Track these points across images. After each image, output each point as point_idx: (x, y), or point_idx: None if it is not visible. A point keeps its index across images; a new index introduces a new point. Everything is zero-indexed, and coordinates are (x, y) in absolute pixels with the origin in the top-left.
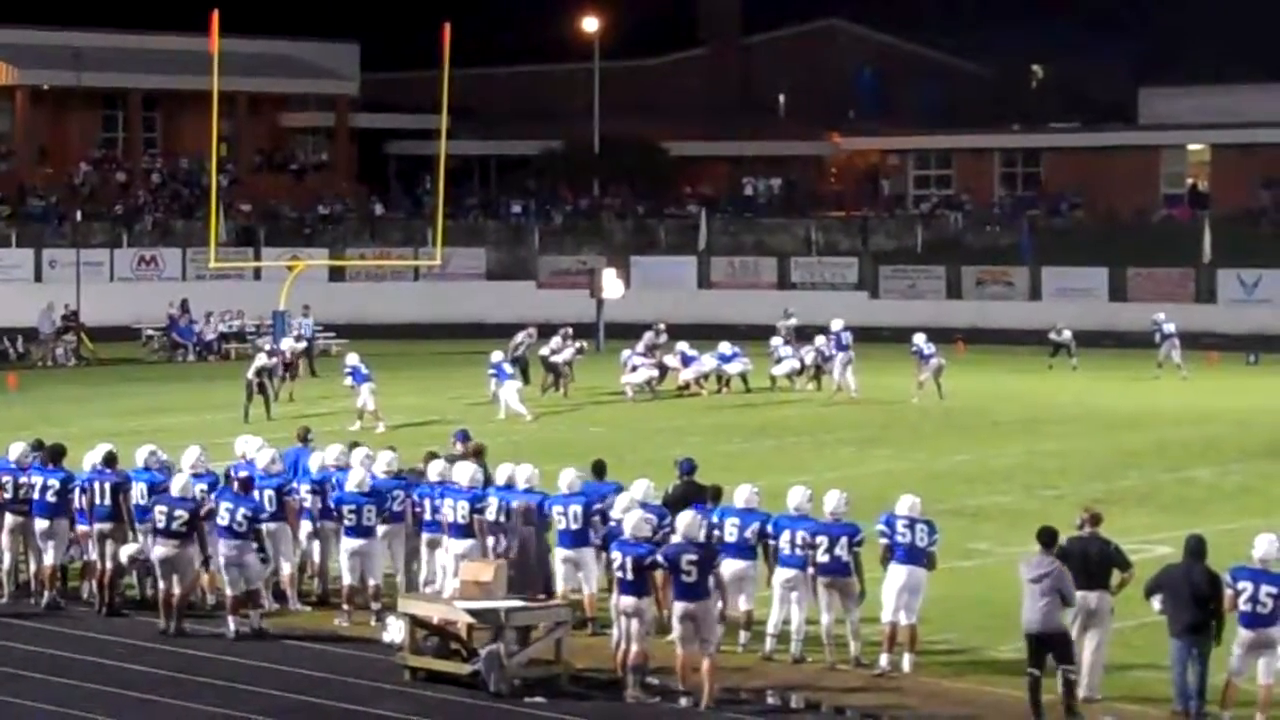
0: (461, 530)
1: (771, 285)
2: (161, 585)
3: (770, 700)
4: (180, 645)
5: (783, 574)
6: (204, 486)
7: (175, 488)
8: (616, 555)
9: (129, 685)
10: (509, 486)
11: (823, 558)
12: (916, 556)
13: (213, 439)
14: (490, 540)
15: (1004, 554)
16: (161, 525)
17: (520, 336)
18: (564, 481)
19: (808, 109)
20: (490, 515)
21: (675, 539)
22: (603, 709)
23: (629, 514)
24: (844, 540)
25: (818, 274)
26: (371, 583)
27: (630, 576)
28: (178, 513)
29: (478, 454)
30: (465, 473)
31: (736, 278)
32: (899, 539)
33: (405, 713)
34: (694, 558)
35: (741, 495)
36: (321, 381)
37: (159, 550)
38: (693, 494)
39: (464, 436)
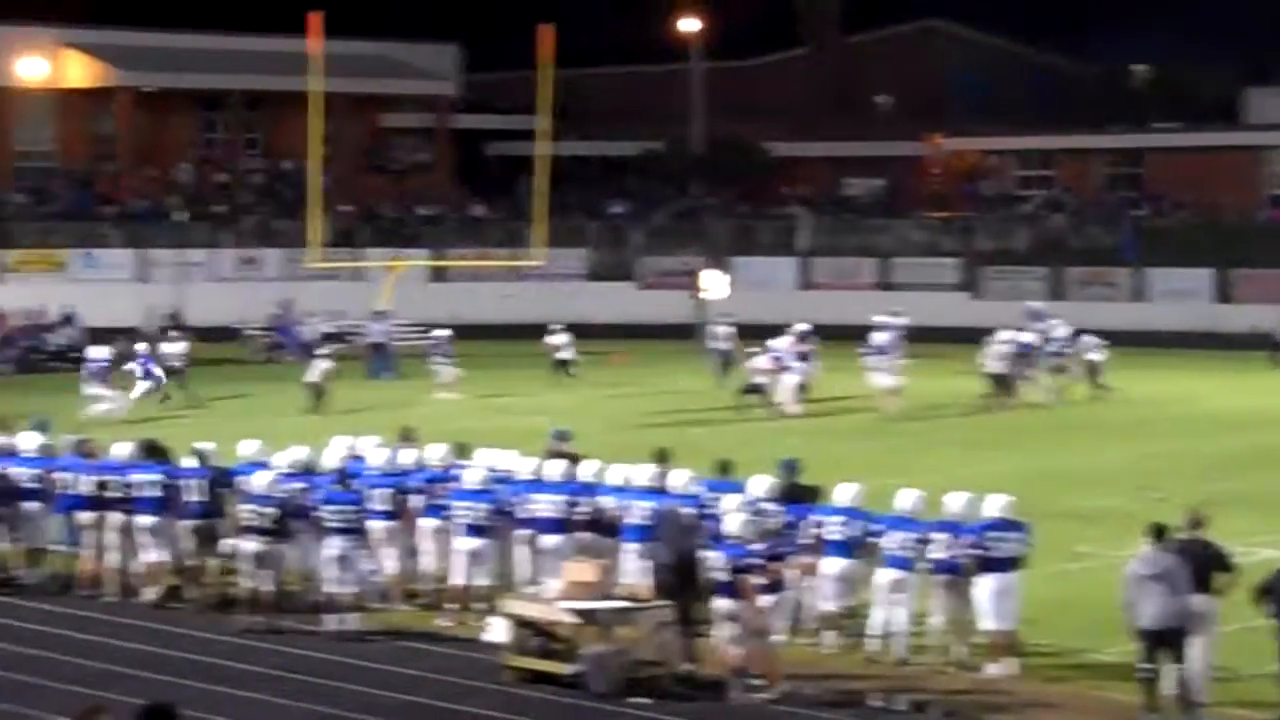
0: (556, 526)
1: (872, 286)
2: (252, 582)
3: (873, 702)
4: (282, 643)
5: (888, 575)
6: (302, 485)
7: (262, 484)
8: (717, 556)
9: (231, 683)
10: (660, 491)
11: (938, 555)
12: (997, 564)
13: (313, 440)
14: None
15: (1110, 557)
16: (252, 523)
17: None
18: (677, 481)
19: (909, 109)
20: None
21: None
22: (706, 710)
23: (732, 516)
24: (963, 541)
25: (919, 275)
26: (479, 583)
27: (726, 579)
28: (266, 510)
29: (572, 458)
30: (557, 469)
31: (837, 278)
32: (981, 550)
33: (507, 713)
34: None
35: (846, 494)
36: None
37: (249, 546)
38: (795, 495)
39: (561, 436)
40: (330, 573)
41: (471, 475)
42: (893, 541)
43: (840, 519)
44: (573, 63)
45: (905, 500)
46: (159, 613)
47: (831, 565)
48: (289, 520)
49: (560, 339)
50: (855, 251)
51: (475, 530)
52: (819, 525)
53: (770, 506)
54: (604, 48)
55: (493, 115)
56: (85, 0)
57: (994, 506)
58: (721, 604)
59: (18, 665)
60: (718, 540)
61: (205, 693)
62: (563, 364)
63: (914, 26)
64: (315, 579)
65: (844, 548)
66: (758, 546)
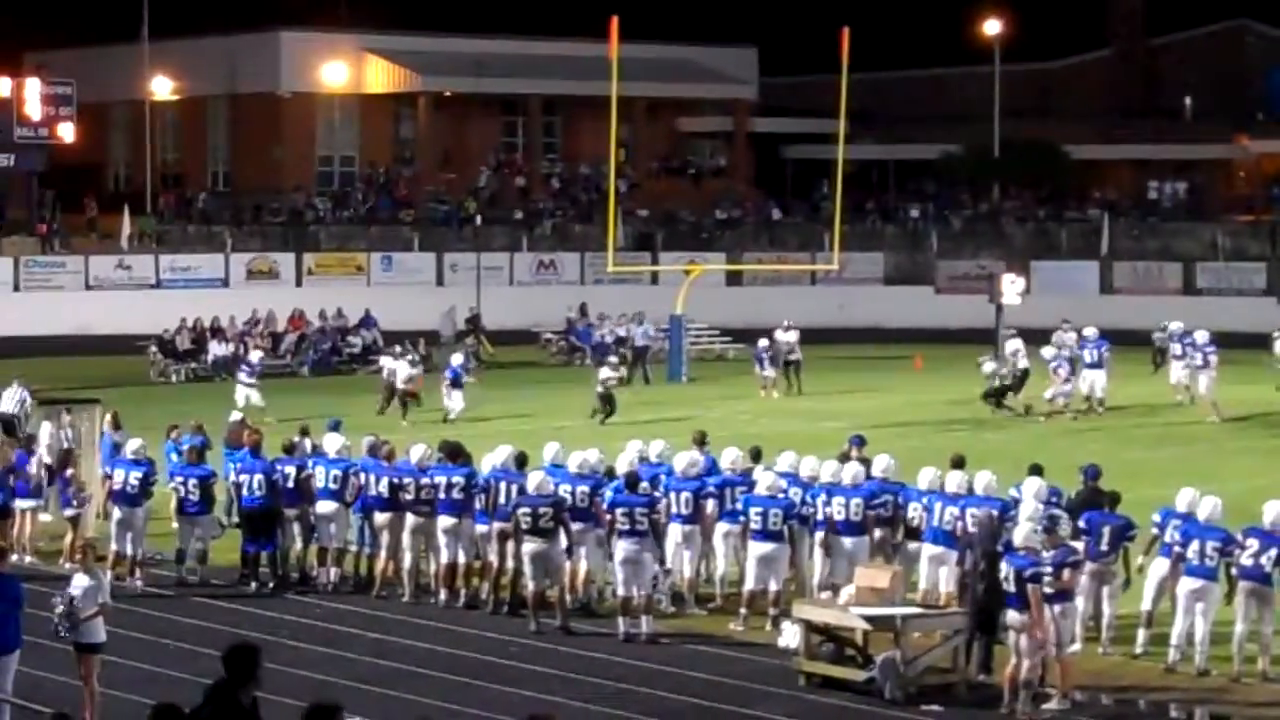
0: (851, 529)
1: (1177, 291)
2: (531, 585)
3: (1175, 714)
4: (574, 645)
5: (1188, 584)
6: (585, 487)
7: (532, 485)
8: (1005, 567)
9: (523, 684)
10: (959, 495)
11: (1246, 561)
12: (1254, 573)
13: (607, 441)
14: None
15: None
16: (527, 525)
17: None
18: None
19: (1215, 111)
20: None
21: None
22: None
23: (1020, 525)
24: (1274, 551)
25: (1224, 279)
26: (773, 588)
27: (1014, 589)
28: (541, 510)
29: (866, 463)
30: (850, 472)
31: (1140, 283)
32: (1244, 559)
33: (799, 718)
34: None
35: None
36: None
37: (527, 547)
38: (1095, 500)
39: (859, 441)
40: (619, 575)
41: (764, 479)
42: (1194, 550)
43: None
44: (872, 65)
45: (1205, 508)
46: (453, 613)
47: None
48: (565, 521)
49: (791, 336)
50: (1158, 256)
51: (766, 535)
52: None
53: (1060, 513)
54: (904, 50)
55: (791, 119)
56: (387, 6)
57: (1271, 513)
58: (1010, 614)
59: (311, 664)
60: (1007, 549)
61: (499, 695)
62: (791, 365)
63: (1221, 26)
64: (601, 582)
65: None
66: (1047, 555)
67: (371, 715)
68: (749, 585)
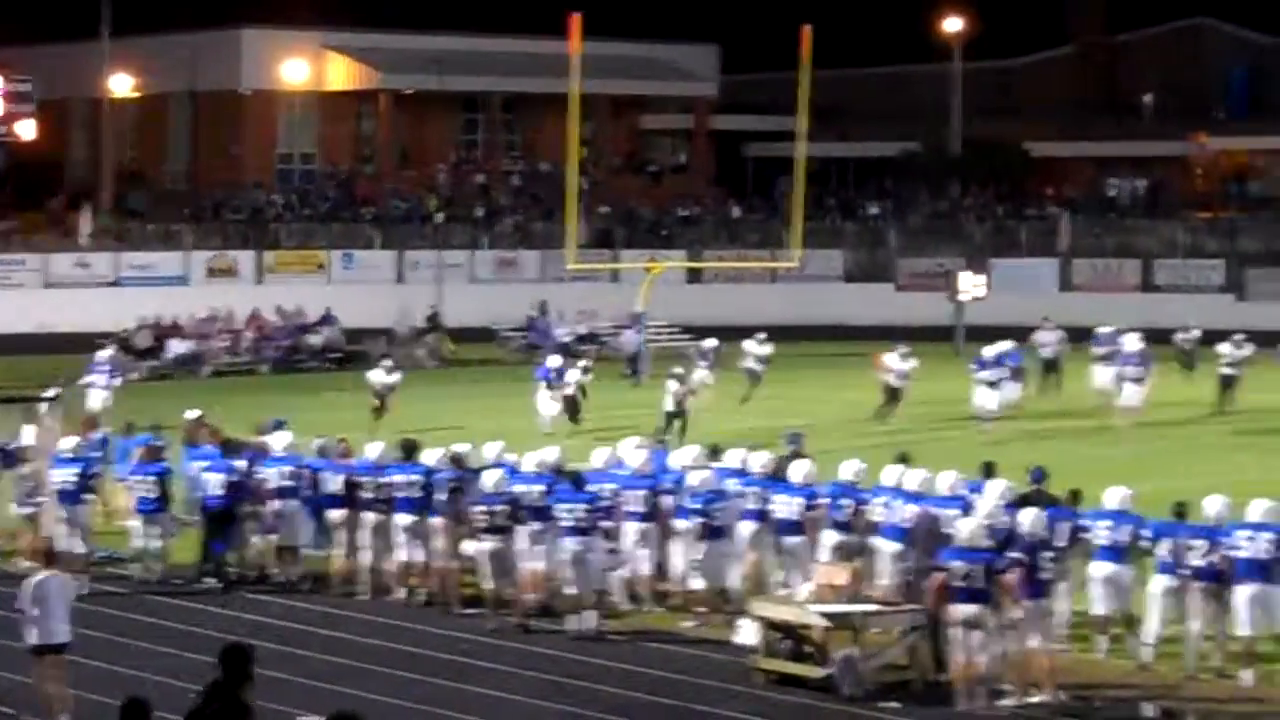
0: (794, 527)
1: (1135, 288)
2: (487, 584)
3: (1150, 714)
4: (530, 642)
5: (1161, 581)
6: (542, 486)
7: (489, 484)
8: (959, 565)
9: (480, 682)
10: (920, 495)
11: (1198, 562)
12: (1256, 570)
13: (564, 440)
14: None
15: None
16: (482, 523)
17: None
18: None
19: (1174, 109)
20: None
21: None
22: (956, 716)
23: (963, 520)
24: (1219, 546)
25: (1183, 276)
26: (732, 585)
27: (979, 584)
28: (496, 508)
29: (797, 456)
30: (800, 471)
31: (1099, 280)
32: (1240, 551)
33: (756, 716)
34: (1051, 555)
35: (1115, 497)
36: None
37: (483, 546)
38: (1041, 503)
39: (795, 439)
40: (565, 573)
41: (693, 478)
42: (1163, 548)
43: (1108, 523)
44: (832, 63)
45: (1213, 506)
46: (410, 611)
47: (1099, 569)
48: (521, 518)
49: (765, 350)
50: (1117, 253)
51: (716, 532)
52: (1086, 530)
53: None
54: (865, 47)
55: (751, 116)
56: (348, 4)
57: (1256, 511)
58: (958, 610)
59: (268, 662)
60: (953, 547)
61: (456, 692)
62: (754, 375)
63: (1181, 24)
64: (556, 580)
65: (1112, 552)
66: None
67: (325, 713)
68: (701, 583)
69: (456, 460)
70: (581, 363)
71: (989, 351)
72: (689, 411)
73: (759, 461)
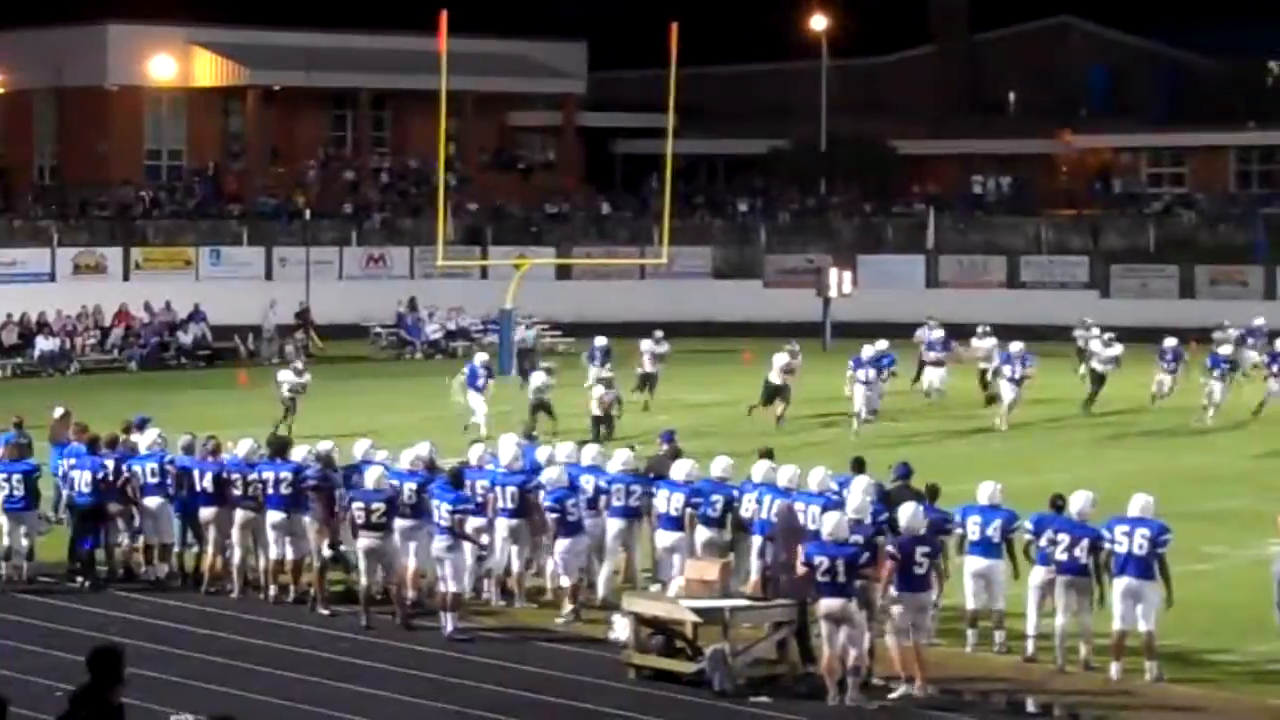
0: (672, 523)
1: (1001, 284)
2: (364, 580)
3: (1032, 709)
4: (407, 640)
5: (1039, 573)
6: (415, 483)
7: (369, 481)
8: (821, 559)
9: (357, 680)
10: (790, 490)
11: (1061, 556)
12: (1131, 565)
13: (438, 436)
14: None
15: (1238, 557)
16: (361, 519)
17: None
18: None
19: (1039, 107)
20: (747, 514)
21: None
22: (827, 710)
23: (828, 515)
24: (1085, 542)
25: (1048, 273)
26: (587, 580)
27: (843, 579)
28: (374, 505)
29: (675, 455)
30: (682, 469)
31: (965, 277)
32: (1117, 546)
33: (629, 711)
34: (927, 549)
35: (985, 492)
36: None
37: (361, 543)
38: (905, 498)
39: (669, 437)
40: (440, 570)
41: (547, 474)
42: (1045, 539)
43: (977, 518)
44: (700, 60)
45: (1078, 502)
46: (283, 609)
47: (971, 564)
48: (398, 516)
49: (662, 349)
50: (983, 249)
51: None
52: (949, 524)
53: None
54: (732, 45)
55: (620, 113)
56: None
57: (1135, 506)
58: (823, 604)
59: (142, 661)
60: (816, 540)
61: (336, 690)
62: (650, 376)
63: (1044, 23)
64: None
65: (982, 547)
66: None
67: (202, 712)
68: (568, 580)
69: (322, 458)
70: (546, 364)
71: (867, 351)
72: (616, 417)
73: (620, 459)
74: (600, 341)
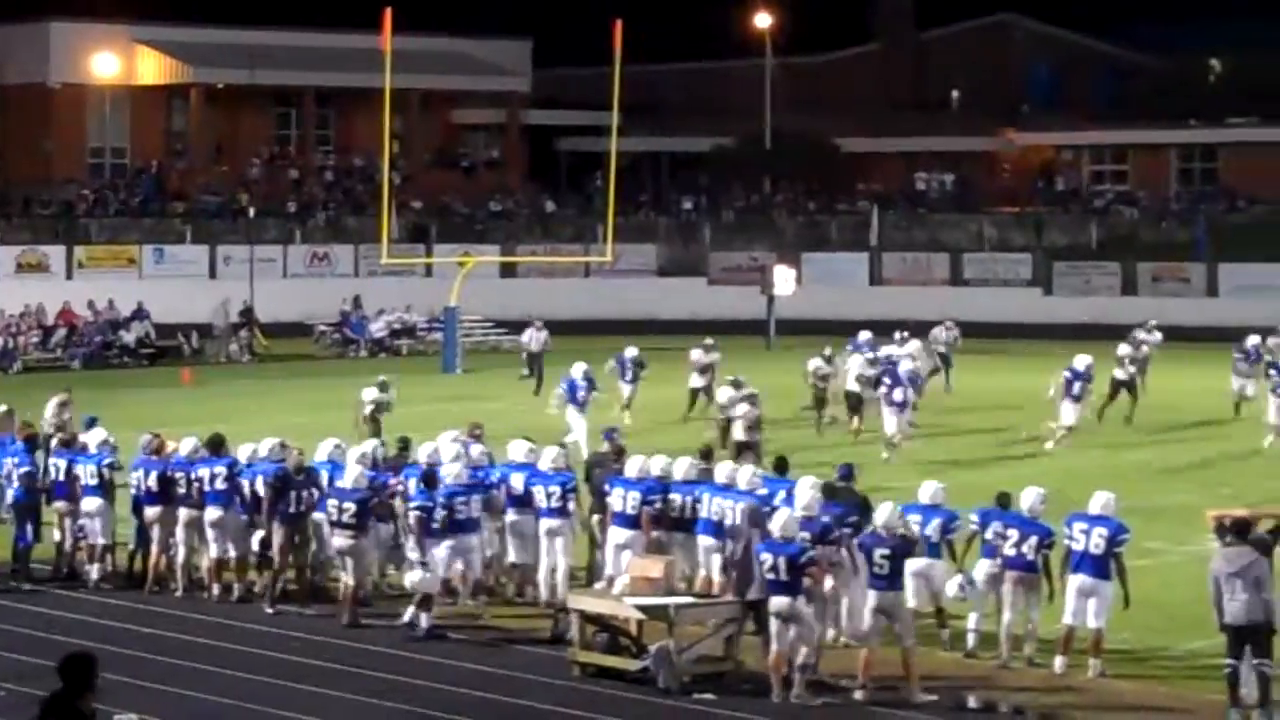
0: (627, 520)
1: (944, 281)
2: (344, 578)
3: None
4: (354, 639)
5: (984, 566)
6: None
7: (346, 480)
8: (767, 557)
9: (305, 679)
10: (728, 487)
11: (1009, 552)
12: (1086, 562)
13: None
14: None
15: (1180, 553)
16: (334, 518)
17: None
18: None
19: (981, 104)
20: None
21: (873, 530)
22: (772, 707)
23: (778, 513)
24: (1034, 539)
25: (990, 270)
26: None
27: (785, 577)
28: (347, 504)
29: (619, 453)
30: (633, 466)
31: (908, 274)
32: (1074, 544)
33: (573, 708)
34: (887, 550)
35: (926, 491)
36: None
37: (336, 542)
38: (846, 499)
39: (611, 435)
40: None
41: (447, 470)
42: (991, 533)
43: (917, 516)
44: (644, 58)
45: (1028, 499)
46: (228, 608)
47: (911, 563)
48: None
49: (711, 357)
50: (926, 247)
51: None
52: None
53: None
54: (676, 43)
55: (564, 111)
56: None
57: (1096, 504)
58: (773, 601)
59: None
60: (766, 539)
61: (283, 690)
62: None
63: (987, 21)
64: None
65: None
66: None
67: (149, 712)
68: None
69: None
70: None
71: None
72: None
73: (549, 456)
74: (631, 352)
